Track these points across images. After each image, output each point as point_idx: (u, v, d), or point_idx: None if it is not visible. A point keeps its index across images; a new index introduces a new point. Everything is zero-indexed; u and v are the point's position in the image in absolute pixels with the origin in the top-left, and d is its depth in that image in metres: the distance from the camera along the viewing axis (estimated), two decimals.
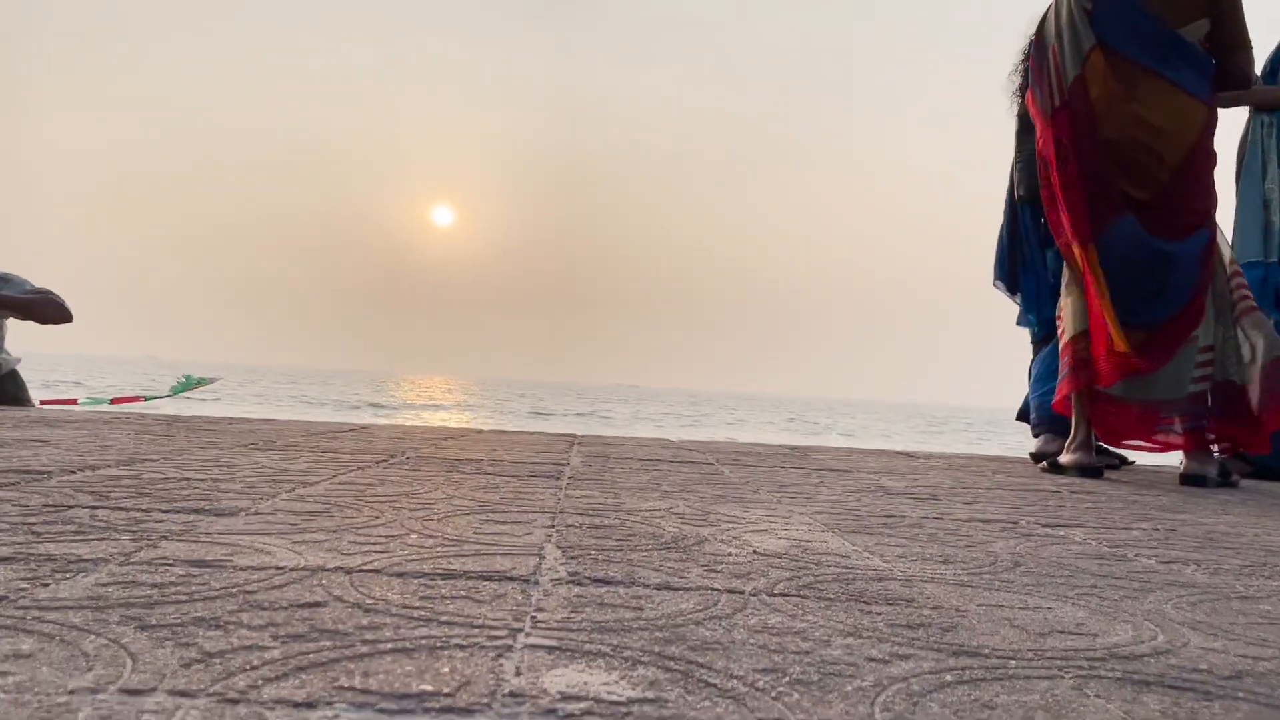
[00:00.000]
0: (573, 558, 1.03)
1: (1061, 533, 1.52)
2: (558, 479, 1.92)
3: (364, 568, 0.91)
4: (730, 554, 1.12)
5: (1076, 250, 2.79)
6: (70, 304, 4.06)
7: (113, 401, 8.47)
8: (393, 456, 2.25)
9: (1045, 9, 2.96)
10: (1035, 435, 3.44)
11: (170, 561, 0.90)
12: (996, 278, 3.63)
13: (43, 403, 5.86)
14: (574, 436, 3.51)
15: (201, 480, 1.56)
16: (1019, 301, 3.60)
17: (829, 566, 1.08)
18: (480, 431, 3.58)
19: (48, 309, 4.04)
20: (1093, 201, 2.74)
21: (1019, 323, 3.63)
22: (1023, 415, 3.63)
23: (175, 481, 1.52)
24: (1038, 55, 2.93)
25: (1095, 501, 2.10)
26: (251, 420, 3.46)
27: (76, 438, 2.32)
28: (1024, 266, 3.55)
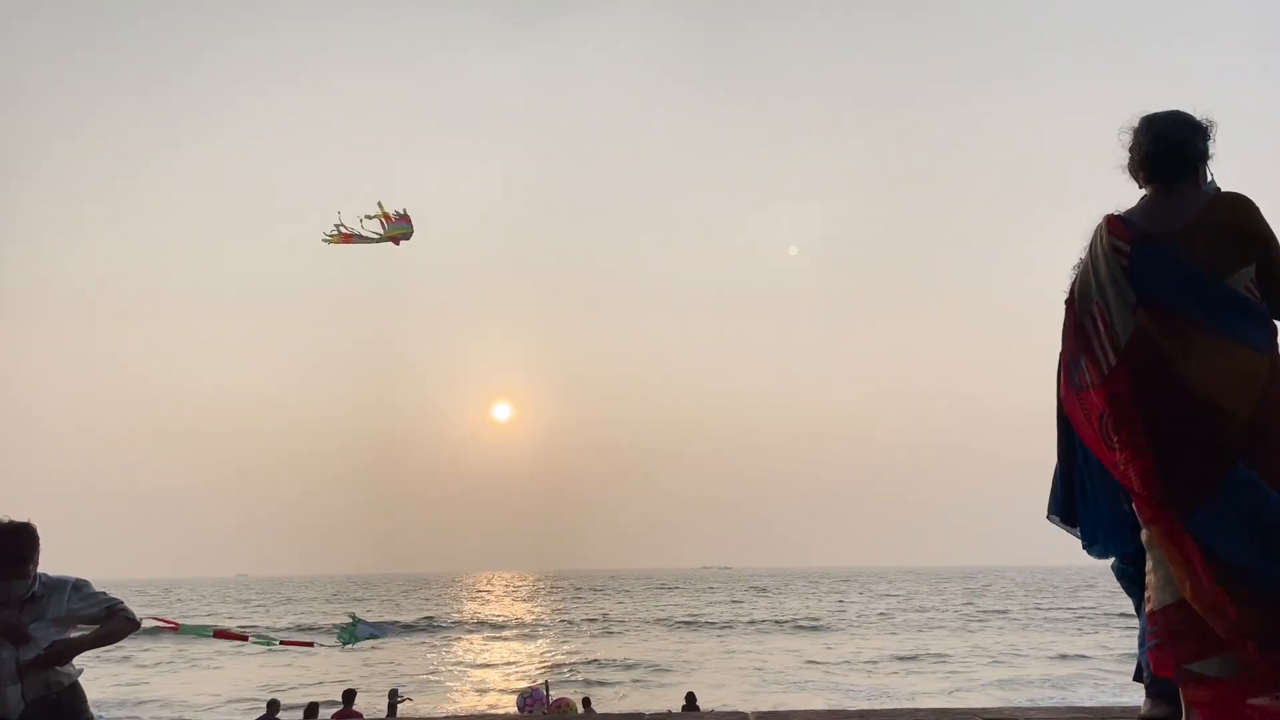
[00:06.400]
0: None
1: None
2: None
3: None
4: None
5: (1158, 526, 2.51)
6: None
7: (215, 634, 8.15)
8: None
9: (1083, 261, 2.74)
10: (1147, 696, 3.17)
11: None
12: (1050, 512, 3.18)
13: (151, 618, 5.94)
14: None
15: None
16: (1079, 534, 3.12)
17: None
18: None
19: (124, 632, 3.87)
20: (1180, 465, 2.46)
21: (1089, 551, 3.16)
22: (1140, 674, 3.25)
23: None
24: (1079, 315, 2.69)
25: None
26: None
27: None
28: (1083, 497, 3.07)
